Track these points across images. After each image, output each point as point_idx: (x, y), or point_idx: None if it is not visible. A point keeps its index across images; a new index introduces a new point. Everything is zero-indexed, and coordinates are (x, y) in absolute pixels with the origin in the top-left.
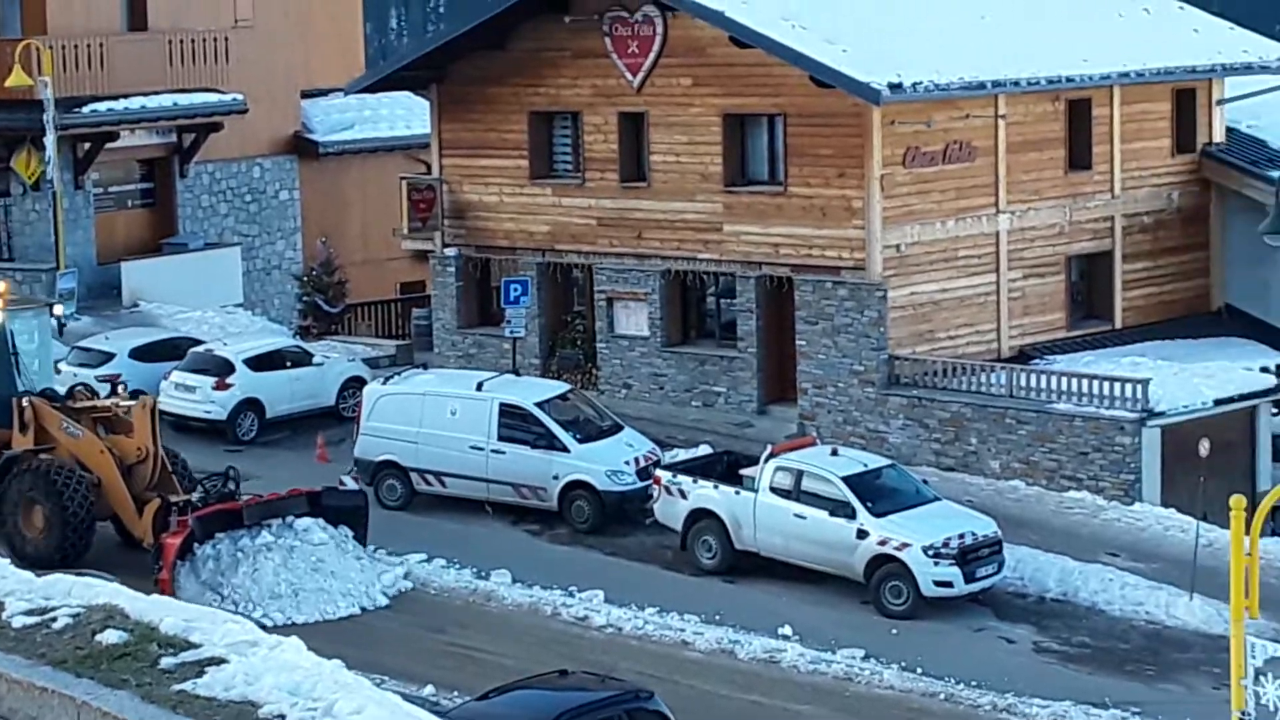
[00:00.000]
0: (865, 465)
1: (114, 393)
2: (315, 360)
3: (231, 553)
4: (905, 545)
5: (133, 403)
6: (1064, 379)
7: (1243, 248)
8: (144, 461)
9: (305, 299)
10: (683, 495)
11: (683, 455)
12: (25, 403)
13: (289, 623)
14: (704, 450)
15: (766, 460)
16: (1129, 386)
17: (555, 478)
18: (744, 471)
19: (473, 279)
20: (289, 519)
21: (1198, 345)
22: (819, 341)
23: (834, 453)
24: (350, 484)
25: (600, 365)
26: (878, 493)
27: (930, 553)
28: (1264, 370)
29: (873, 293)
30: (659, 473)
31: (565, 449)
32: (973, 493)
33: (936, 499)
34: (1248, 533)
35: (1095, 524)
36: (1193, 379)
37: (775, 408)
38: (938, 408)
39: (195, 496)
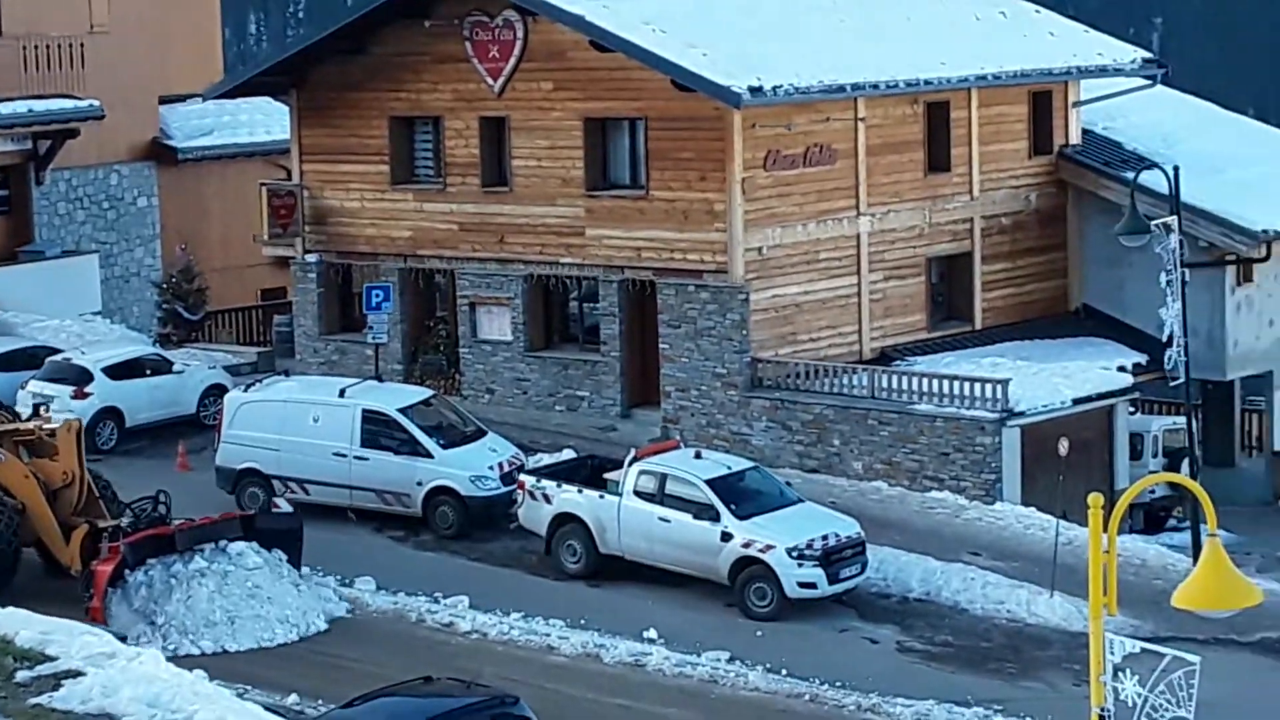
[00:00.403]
0: (729, 468)
1: (36, 415)
2: (175, 368)
3: (164, 579)
4: (769, 547)
5: (57, 425)
6: (925, 380)
7: (1099, 248)
8: (70, 486)
9: (165, 306)
10: (547, 500)
11: (547, 460)
12: None
13: (222, 651)
14: (568, 455)
15: (630, 464)
16: (989, 387)
17: (419, 484)
18: (608, 475)
19: (334, 285)
20: (222, 543)
21: (1056, 345)
22: (682, 345)
23: (697, 456)
24: (284, 506)
25: (463, 370)
26: (741, 495)
27: (794, 554)
28: (1121, 369)
29: (735, 295)
30: (523, 477)
31: (429, 455)
32: (836, 494)
33: (800, 501)
34: (1106, 530)
35: (957, 524)
36: (1051, 379)
37: (639, 411)
38: (800, 410)
39: (125, 522)
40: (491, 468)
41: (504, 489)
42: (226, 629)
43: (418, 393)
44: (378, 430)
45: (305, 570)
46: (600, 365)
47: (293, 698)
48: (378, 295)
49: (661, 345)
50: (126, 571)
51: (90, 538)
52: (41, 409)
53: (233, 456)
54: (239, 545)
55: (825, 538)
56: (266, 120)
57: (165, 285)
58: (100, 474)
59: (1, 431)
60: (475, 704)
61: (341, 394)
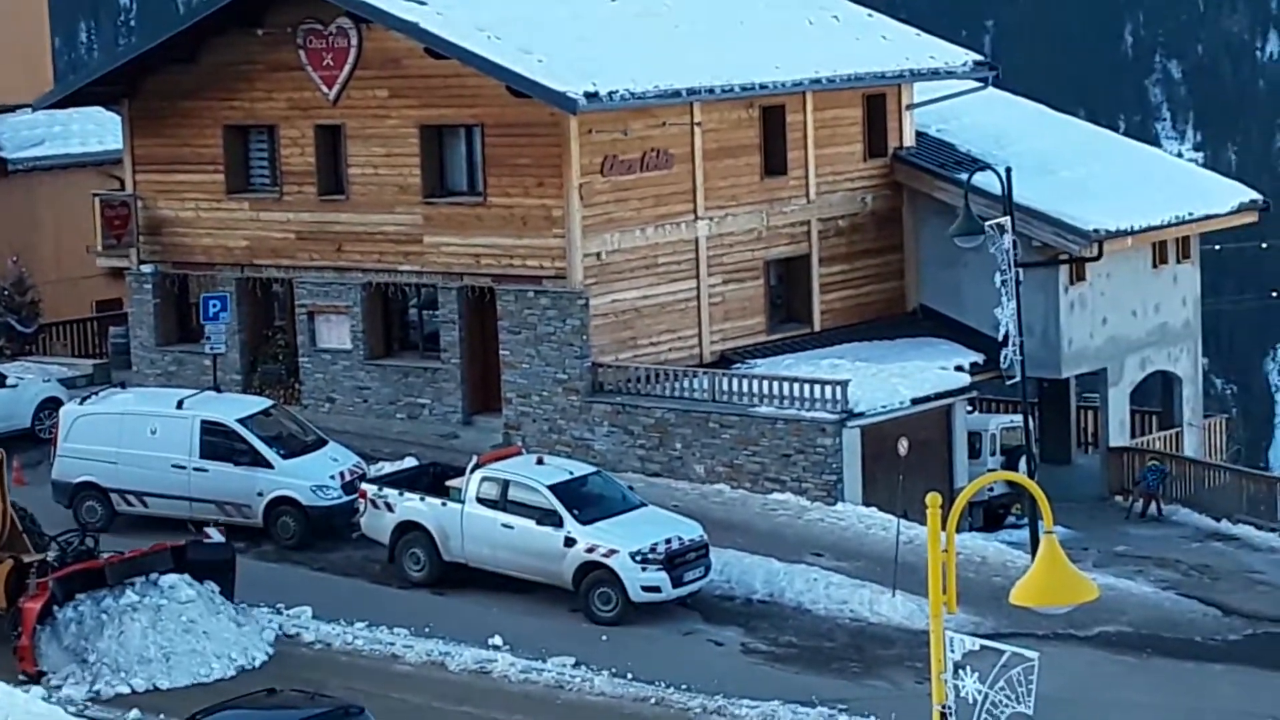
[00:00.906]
0: (571, 473)
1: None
2: (9, 381)
3: (95, 614)
4: (613, 552)
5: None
6: (765, 382)
7: (935, 249)
8: None
9: None
10: (389, 508)
11: (388, 468)
12: None
13: (155, 689)
14: (410, 463)
15: (473, 471)
16: (829, 388)
17: (260, 494)
18: (450, 483)
19: (171, 295)
20: (153, 576)
21: (894, 346)
22: (522, 351)
23: (540, 461)
24: (216, 536)
25: (303, 379)
26: (584, 500)
27: (638, 558)
28: (958, 369)
29: (575, 301)
30: (365, 486)
31: (269, 465)
32: (678, 497)
33: (643, 505)
34: (945, 529)
35: (799, 525)
36: (890, 379)
37: (480, 418)
38: (642, 414)
39: (51, 556)
40: (333, 477)
41: (346, 498)
42: (161, 666)
43: (257, 403)
44: (217, 441)
45: (240, 603)
46: (441, 372)
47: (134, 713)
48: (215, 305)
49: (502, 351)
50: (55, 608)
51: (15, 573)
52: None
53: (70, 470)
54: (171, 578)
55: (669, 541)
56: (99, 130)
57: None
58: (24, 506)
59: None
60: (320, 715)
61: (179, 405)
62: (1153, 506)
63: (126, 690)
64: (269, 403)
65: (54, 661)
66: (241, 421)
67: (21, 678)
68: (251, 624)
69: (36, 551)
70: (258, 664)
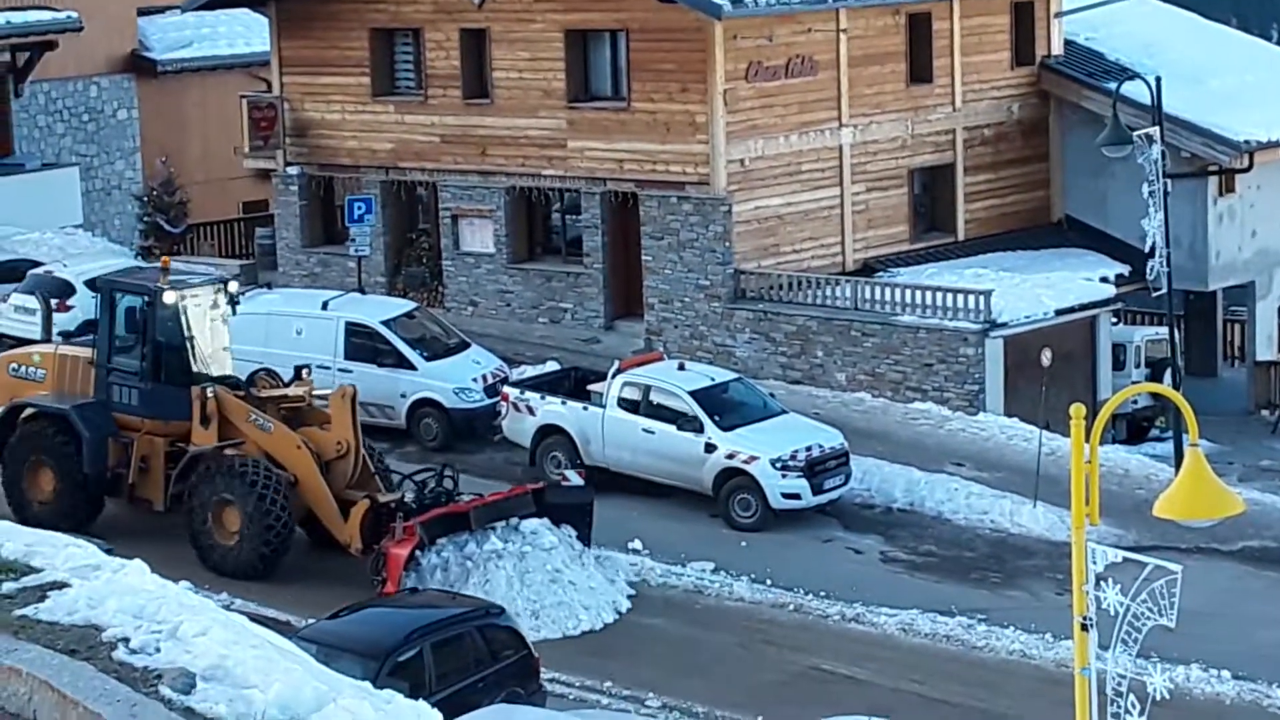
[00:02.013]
0: (712, 379)
1: (298, 379)
2: None
3: (459, 561)
4: (753, 458)
5: (328, 391)
6: (908, 291)
7: (1082, 159)
8: (344, 457)
9: (146, 219)
10: (530, 411)
11: (530, 371)
12: (209, 393)
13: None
14: (551, 366)
15: (614, 375)
16: (972, 298)
17: (403, 395)
18: (592, 387)
19: (316, 197)
20: (514, 520)
21: (1039, 256)
22: (665, 257)
23: (681, 367)
24: (574, 479)
25: (446, 283)
26: (725, 406)
27: (778, 465)
28: (1103, 280)
29: (717, 207)
30: (507, 389)
31: (412, 367)
32: (819, 405)
33: (783, 412)
34: (1088, 441)
35: (940, 434)
36: (1034, 290)
37: (622, 323)
38: (784, 321)
39: (408, 496)
40: (475, 380)
41: (488, 401)
42: (528, 620)
43: (401, 305)
44: (361, 343)
45: (598, 549)
46: (583, 277)
47: (276, 610)
48: (360, 208)
49: (644, 257)
50: (418, 553)
51: (371, 514)
52: (304, 372)
53: None
54: (532, 523)
55: (809, 449)
56: (246, 32)
57: (146, 198)
58: (374, 446)
59: (265, 398)
60: (461, 615)
61: (324, 306)
62: None
63: None
64: (413, 305)
65: None
66: (385, 323)
67: None
68: (611, 570)
69: (387, 491)
70: (624, 612)
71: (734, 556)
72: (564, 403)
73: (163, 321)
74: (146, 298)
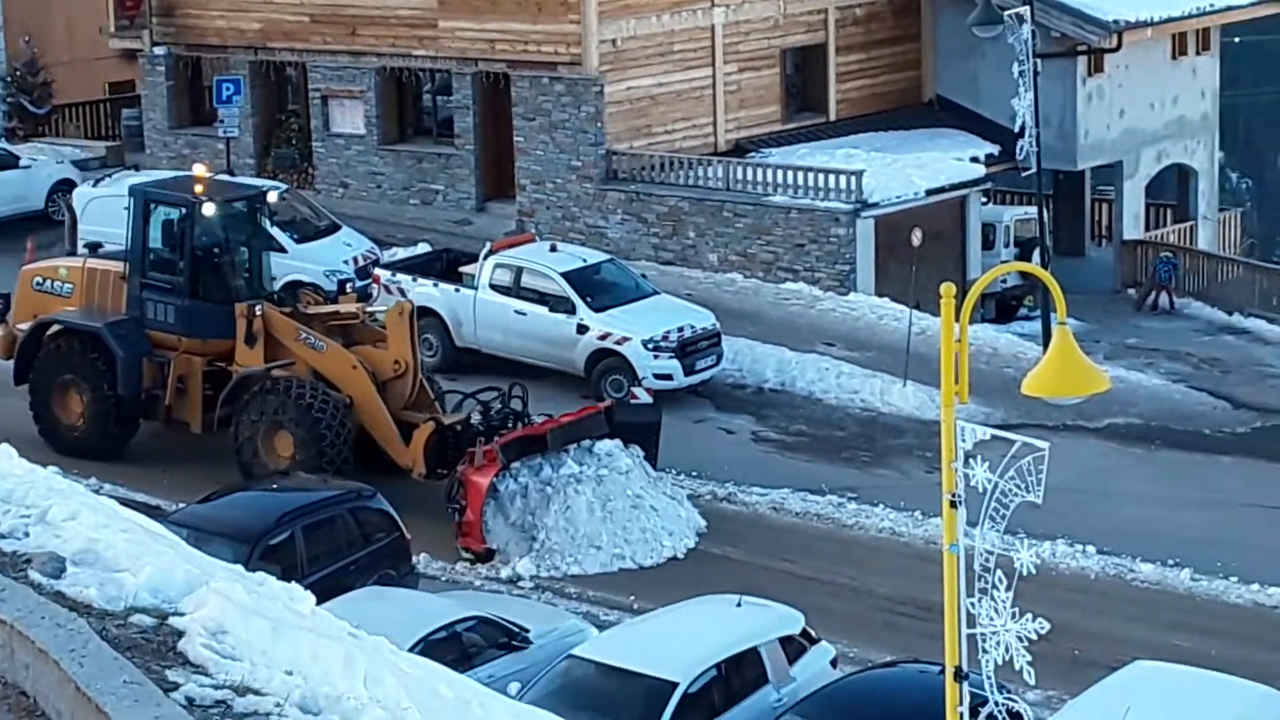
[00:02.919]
0: (584, 261)
1: (342, 293)
2: (22, 163)
3: (538, 487)
4: (625, 339)
5: (383, 307)
6: (779, 172)
7: (953, 39)
8: (401, 377)
9: (10, 100)
10: (402, 294)
11: (402, 254)
12: (257, 311)
13: (607, 570)
14: (423, 248)
15: (486, 257)
16: (843, 178)
17: (273, 278)
18: (464, 269)
19: (184, 78)
20: (587, 442)
21: (909, 136)
22: (536, 138)
23: (553, 249)
24: (643, 396)
25: (316, 164)
26: (597, 288)
27: (650, 346)
28: (973, 160)
29: (589, 88)
30: (378, 271)
31: (282, 249)
32: (691, 286)
33: (655, 293)
34: (958, 319)
35: (811, 314)
36: (905, 170)
37: (494, 205)
38: (655, 202)
39: (474, 418)
40: (346, 262)
41: (360, 283)
42: (615, 548)
43: (270, 187)
44: None
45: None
46: (455, 159)
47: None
48: (228, 89)
49: (516, 139)
50: (497, 479)
51: (436, 436)
52: (347, 285)
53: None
54: (606, 444)
55: (681, 329)
56: None
57: (9, 79)
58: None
59: (314, 315)
60: (332, 498)
61: None
62: (1165, 299)
63: (579, 571)
64: (283, 187)
65: (500, 538)
66: None
67: (465, 555)
68: (679, 493)
69: (443, 411)
70: (700, 535)
71: None
72: (436, 285)
73: (202, 234)
74: (184, 209)
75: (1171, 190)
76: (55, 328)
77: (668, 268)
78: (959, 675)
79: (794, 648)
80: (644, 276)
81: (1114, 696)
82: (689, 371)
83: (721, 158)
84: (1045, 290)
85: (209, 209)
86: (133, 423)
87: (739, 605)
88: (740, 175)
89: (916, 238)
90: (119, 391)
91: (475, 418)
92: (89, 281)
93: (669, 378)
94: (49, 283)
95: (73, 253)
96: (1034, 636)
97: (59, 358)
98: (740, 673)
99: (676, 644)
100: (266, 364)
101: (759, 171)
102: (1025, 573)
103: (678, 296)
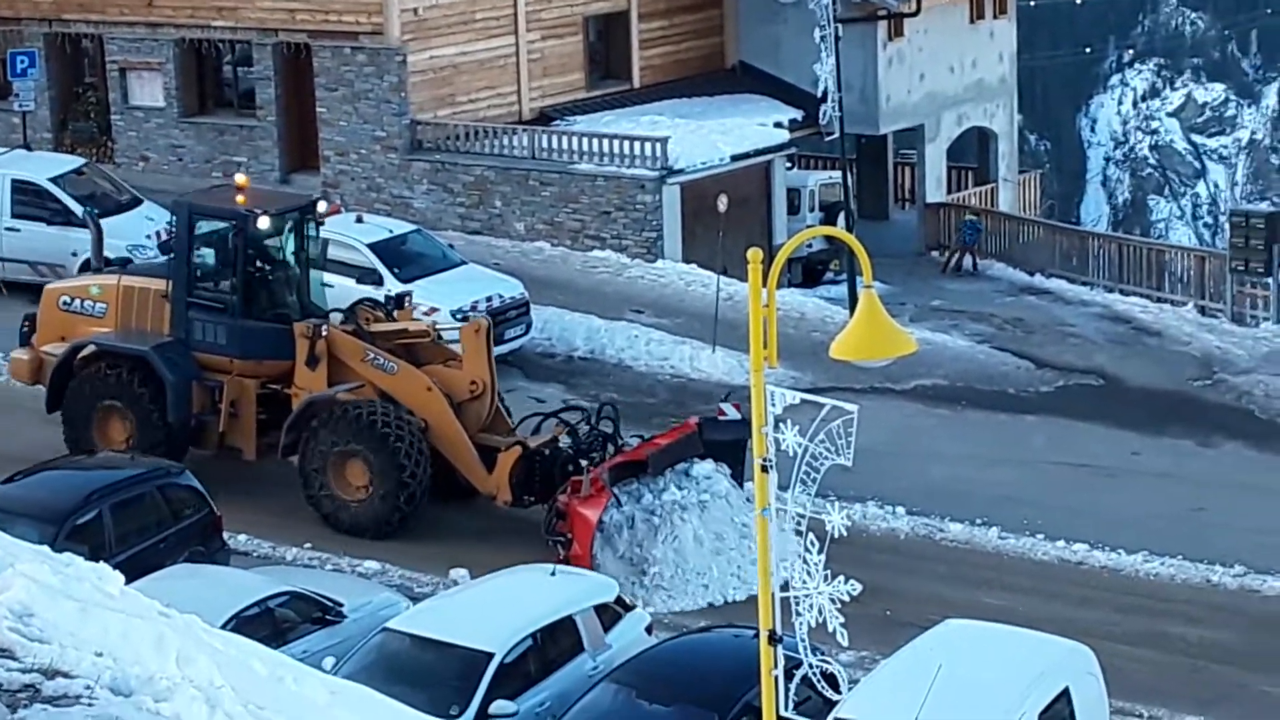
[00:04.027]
0: (391, 231)
1: (400, 307)
2: None
3: (643, 516)
4: (433, 310)
5: (457, 324)
6: (585, 139)
7: (755, 5)
8: (478, 398)
9: None
10: None
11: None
12: (322, 330)
13: (711, 605)
14: None
15: None
16: (648, 145)
17: (74, 254)
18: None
19: None
20: (681, 465)
21: (714, 103)
22: (340, 109)
23: (359, 220)
24: (731, 412)
25: (115, 138)
26: (404, 258)
27: (459, 316)
28: (777, 126)
29: (392, 58)
30: None
31: (84, 225)
32: (499, 255)
33: (463, 263)
34: (765, 285)
35: (620, 282)
36: (710, 136)
37: (298, 176)
38: (461, 172)
39: (562, 441)
40: (149, 236)
41: (162, 258)
42: (728, 581)
43: (69, 161)
44: (28, 200)
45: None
46: (257, 131)
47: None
48: (22, 61)
49: (319, 110)
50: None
51: (524, 463)
52: (405, 299)
53: None
54: (704, 466)
55: (489, 299)
56: None
57: None
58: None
59: (379, 333)
60: (141, 475)
61: None
62: (968, 261)
63: (693, 606)
64: (81, 161)
65: (610, 572)
66: (53, 180)
67: None
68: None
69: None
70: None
71: None
72: None
73: (256, 250)
74: (235, 223)
75: (972, 153)
76: (87, 350)
77: (475, 237)
78: (773, 639)
79: (609, 615)
80: (451, 246)
81: (926, 655)
82: (498, 341)
83: (526, 126)
84: (850, 254)
85: (264, 223)
86: (181, 451)
87: (553, 574)
88: (546, 144)
89: (722, 204)
90: (168, 418)
91: (563, 441)
92: (125, 300)
93: None
94: (78, 302)
95: (99, 269)
96: (846, 598)
97: (98, 383)
98: (556, 641)
99: (491, 614)
100: (331, 387)
101: (564, 140)
102: (837, 535)
103: (485, 266)
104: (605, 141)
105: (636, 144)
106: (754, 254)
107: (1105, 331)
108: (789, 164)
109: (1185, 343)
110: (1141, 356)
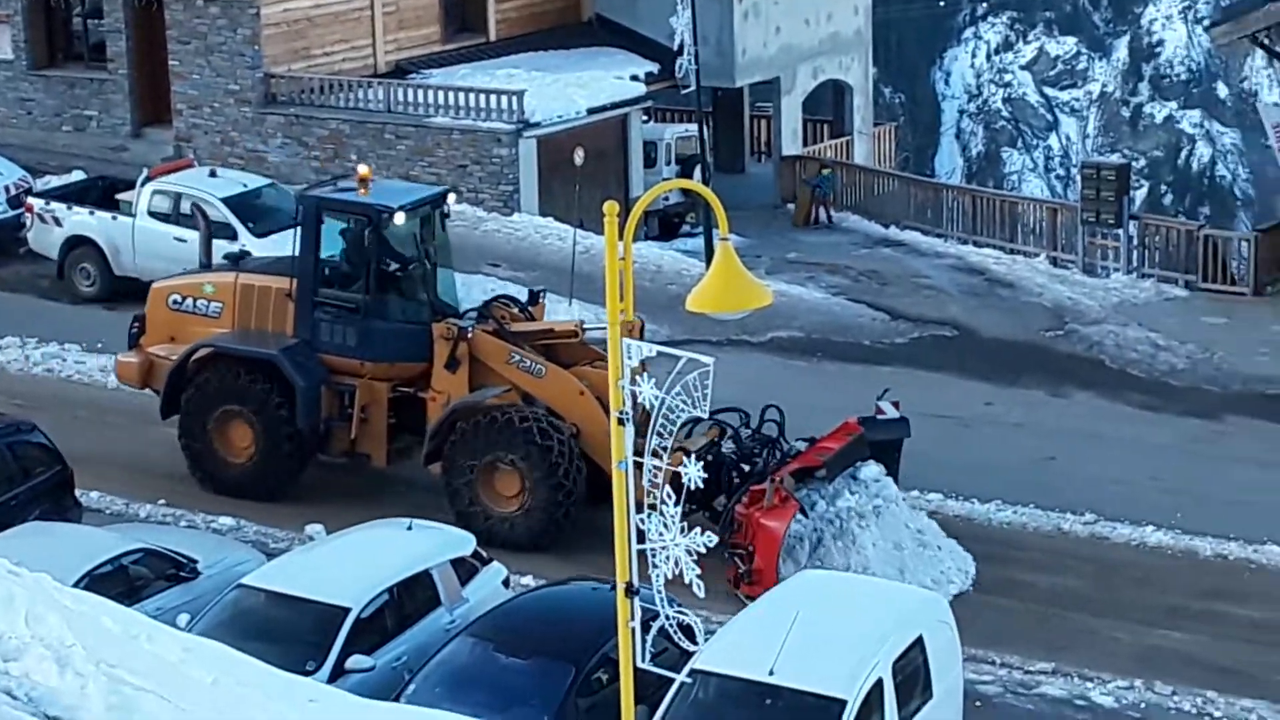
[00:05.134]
0: (245, 185)
1: (533, 304)
2: None
3: (819, 525)
4: None
5: (600, 325)
6: (440, 93)
7: None
8: None
9: None
10: (57, 223)
11: (55, 182)
12: (468, 332)
13: None
14: (78, 176)
15: (143, 184)
16: (504, 99)
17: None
18: (120, 196)
19: None
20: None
21: (570, 56)
22: (192, 61)
23: (213, 174)
24: (890, 410)
25: None
26: (258, 213)
27: None
28: (634, 79)
29: (245, 10)
30: (31, 200)
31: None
32: None
33: None
34: (621, 238)
35: (476, 236)
36: (566, 89)
37: (150, 130)
38: (316, 125)
39: (725, 446)
40: None
41: (12, 213)
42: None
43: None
44: None
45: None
46: (108, 84)
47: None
48: None
49: (171, 62)
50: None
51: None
52: (540, 296)
53: None
54: (871, 469)
55: None
56: None
57: None
58: None
59: (522, 332)
60: None
61: None
62: (823, 213)
63: None
64: None
65: None
66: None
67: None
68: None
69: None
70: (972, 577)
71: None
72: (92, 213)
73: (391, 247)
74: (368, 218)
75: (827, 106)
76: (202, 352)
77: None
78: (630, 591)
79: (466, 569)
80: None
81: (782, 605)
82: None
83: (382, 80)
84: (707, 207)
85: (400, 219)
86: (307, 458)
87: (409, 528)
88: (401, 97)
89: (579, 157)
90: (298, 424)
91: (727, 445)
92: (244, 300)
93: None
94: (190, 301)
95: (207, 265)
96: (703, 550)
97: (219, 388)
98: (412, 596)
99: (347, 569)
100: (472, 392)
101: (420, 93)
102: (694, 487)
103: None
104: (461, 95)
105: (492, 97)
106: (610, 207)
107: (959, 283)
108: (645, 117)
109: (1037, 294)
110: (995, 308)
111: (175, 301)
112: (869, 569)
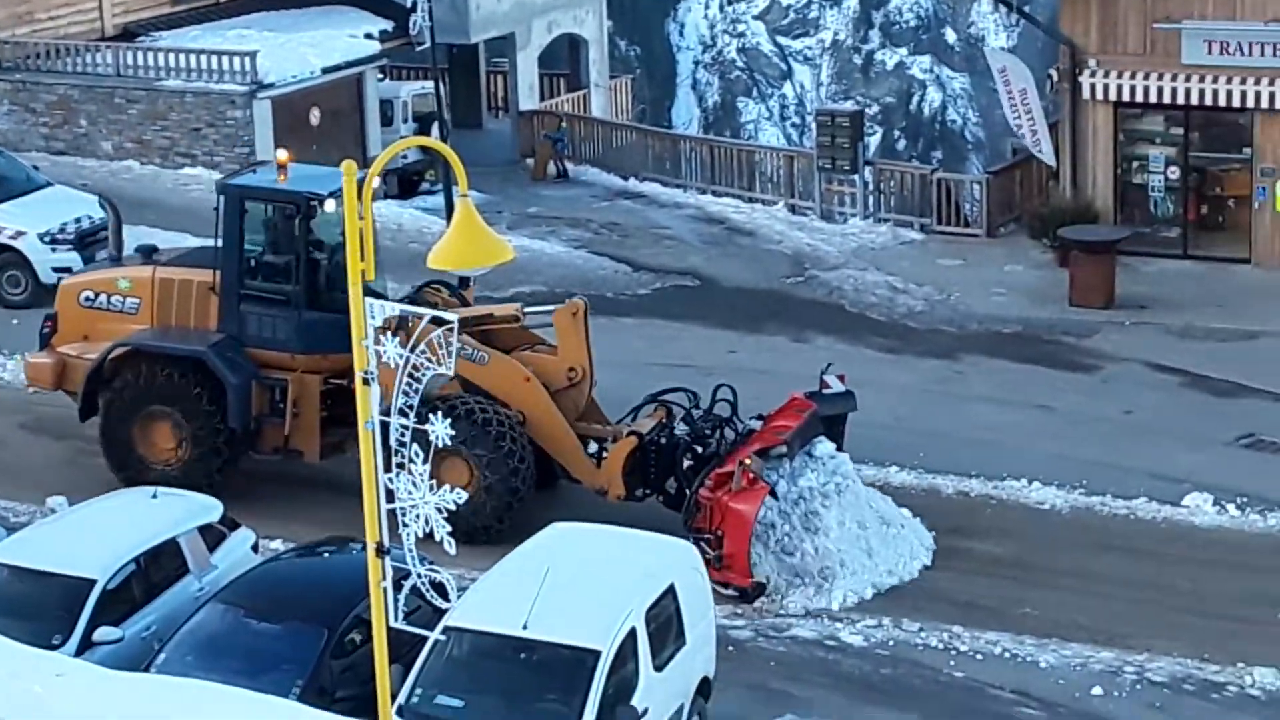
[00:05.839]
0: None
1: (464, 288)
2: None
3: (782, 506)
4: (20, 234)
5: (546, 308)
6: (171, 55)
7: None
8: (576, 386)
9: None
10: None
11: None
12: (409, 321)
13: (864, 597)
14: None
15: None
16: (237, 60)
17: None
18: None
19: None
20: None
21: (303, 15)
22: None
23: None
24: (835, 384)
25: None
26: None
27: (47, 240)
28: (368, 37)
29: None
30: None
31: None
32: (86, 176)
33: (49, 184)
34: (360, 198)
35: (213, 199)
36: (300, 49)
37: None
38: (43, 91)
39: (680, 429)
40: None
41: None
42: (883, 570)
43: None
44: None
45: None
46: None
47: None
48: None
49: None
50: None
51: (639, 454)
52: (470, 281)
53: None
54: (825, 446)
55: (79, 221)
56: None
57: None
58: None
59: (462, 319)
60: None
61: None
62: (561, 167)
63: (855, 599)
64: None
65: (765, 569)
66: None
67: (728, 590)
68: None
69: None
70: (929, 562)
71: (5, 336)
72: None
73: (320, 236)
74: (296, 207)
75: (563, 60)
76: (118, 351)
77: (60, 158)
78: (380, 550)
79: (214, 535)
80: (35, 168)
81: (532, 559)
82: (88, 263)
83: (110, 43)
84: (446, 164)
85: (330, 205)
86: (236, 456)
87: (154, 497)
88: (131, 61)
89: (315, 117)
90: (230, 423)
91: (680, 428)
92: (163, 294)
93: (69, 271)
94: (104, 297)
95: (118, 259)
96: (452, 508)
97: (141, 387)
98: (160, 564)
99: (91, 541)
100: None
101: (150, 56)
102: (441, 445)
103: (73, 187)
104: (192, 57)
105: (225, 59)
106: (348, 166)
107: (699, 233)
108: (381, 75)
109: (777, 241)
110: (735, 256)
111: (88, 298)
112: (836, 549)
